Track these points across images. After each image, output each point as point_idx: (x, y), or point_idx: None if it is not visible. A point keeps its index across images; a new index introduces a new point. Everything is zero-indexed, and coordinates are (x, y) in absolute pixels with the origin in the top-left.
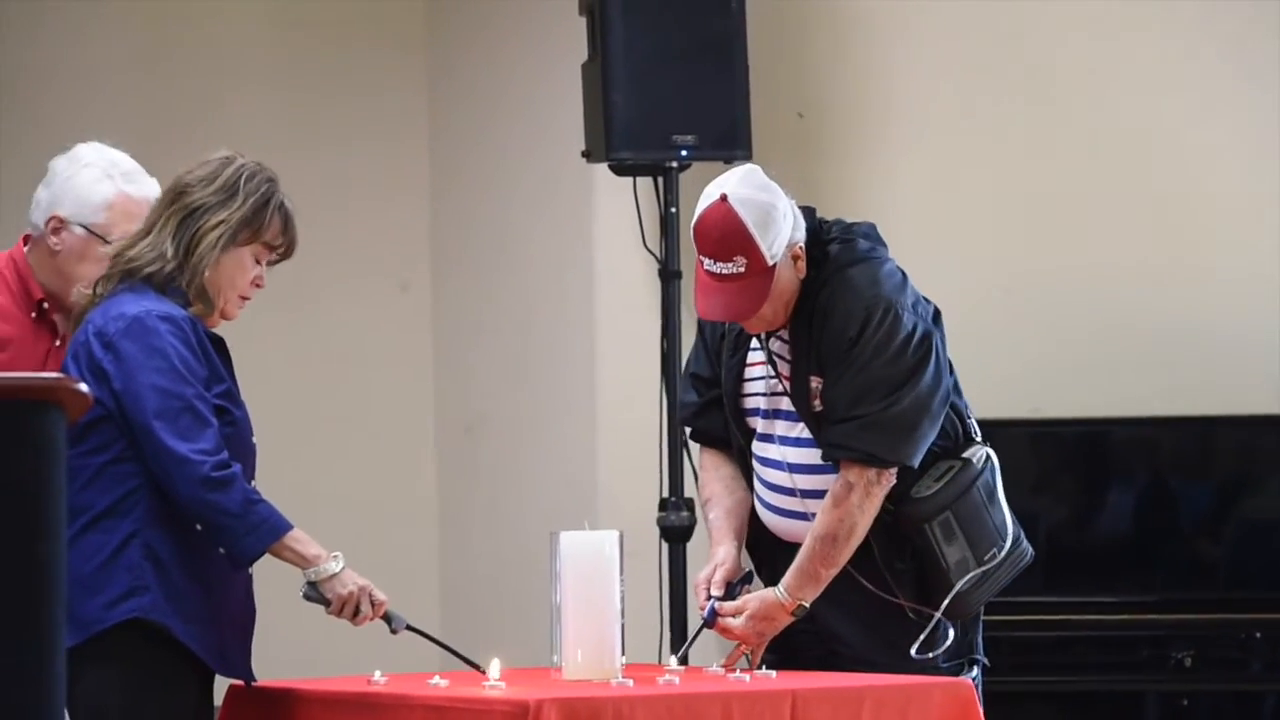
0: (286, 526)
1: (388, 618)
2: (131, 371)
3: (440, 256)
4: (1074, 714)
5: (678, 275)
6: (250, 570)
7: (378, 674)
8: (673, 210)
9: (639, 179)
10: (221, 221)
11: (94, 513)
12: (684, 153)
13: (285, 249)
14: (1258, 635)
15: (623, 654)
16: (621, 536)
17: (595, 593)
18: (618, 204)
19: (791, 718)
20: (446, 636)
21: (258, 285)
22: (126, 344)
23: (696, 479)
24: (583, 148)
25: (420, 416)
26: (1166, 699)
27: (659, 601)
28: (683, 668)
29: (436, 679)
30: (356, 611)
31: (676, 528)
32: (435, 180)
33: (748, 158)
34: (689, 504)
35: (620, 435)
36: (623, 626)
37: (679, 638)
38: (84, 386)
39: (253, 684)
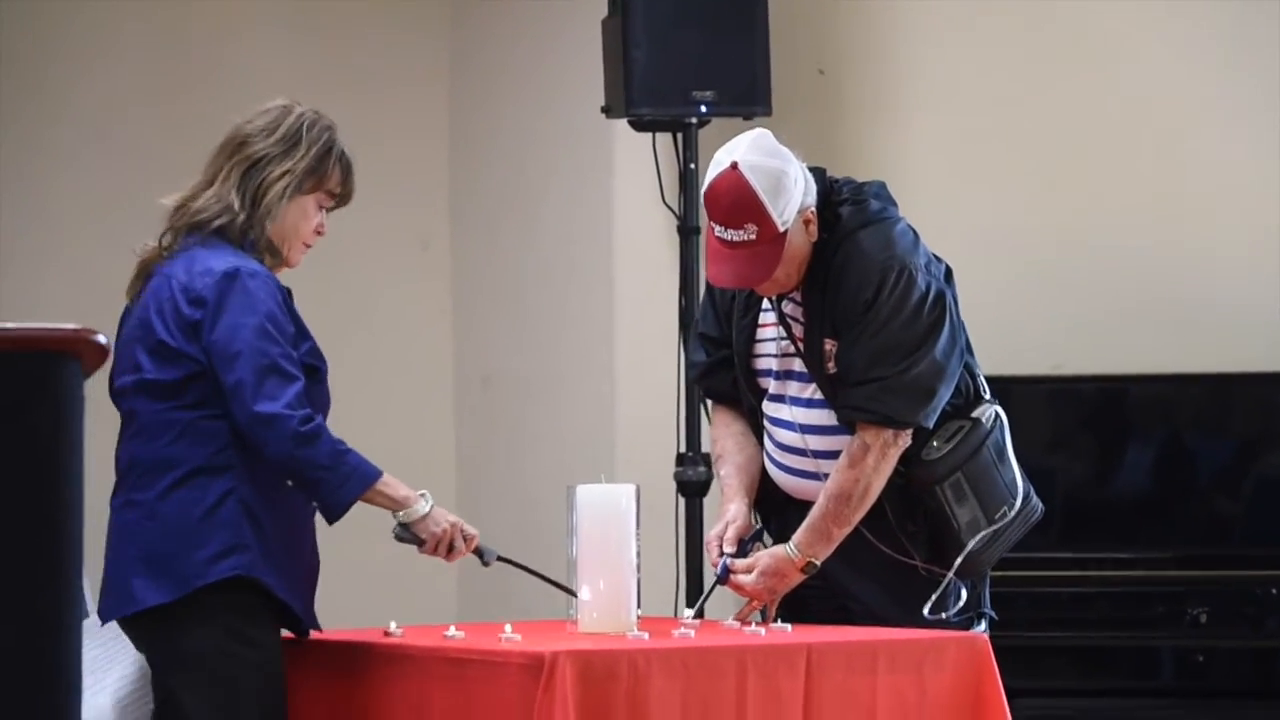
0: (376, 473)
1: (479, 552)
2: (222, 328)
3: (460, 214)
4: (1089, 669)
5: (696, 231)
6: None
7: (393, 625)
8: (692, 166)
9: (658, 135)
10: (287, 171)
11: (187, 467)
12: (703, 109)
13: (346, 196)
14: (1274, 591)
15: (638, 607)
16: (638, 490)
17: (611, 546)
18: (637, 160)
19: (806, 671)
20: (463, 588)
21: (319, 233)
22: (217, 300)
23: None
24: (602, 103)
25: (439, 371)
26: (1181, 654)
27: (675, 556)
28: (698, 621)
29: (452, 630)
30: (450, 549)
31: (693, 482)
32: (455, 138)
33: (768, 114)
34: (706, 459)
35: (638, 390)
36: (639, 580)
37: (695, 592)
38: (102, 338)
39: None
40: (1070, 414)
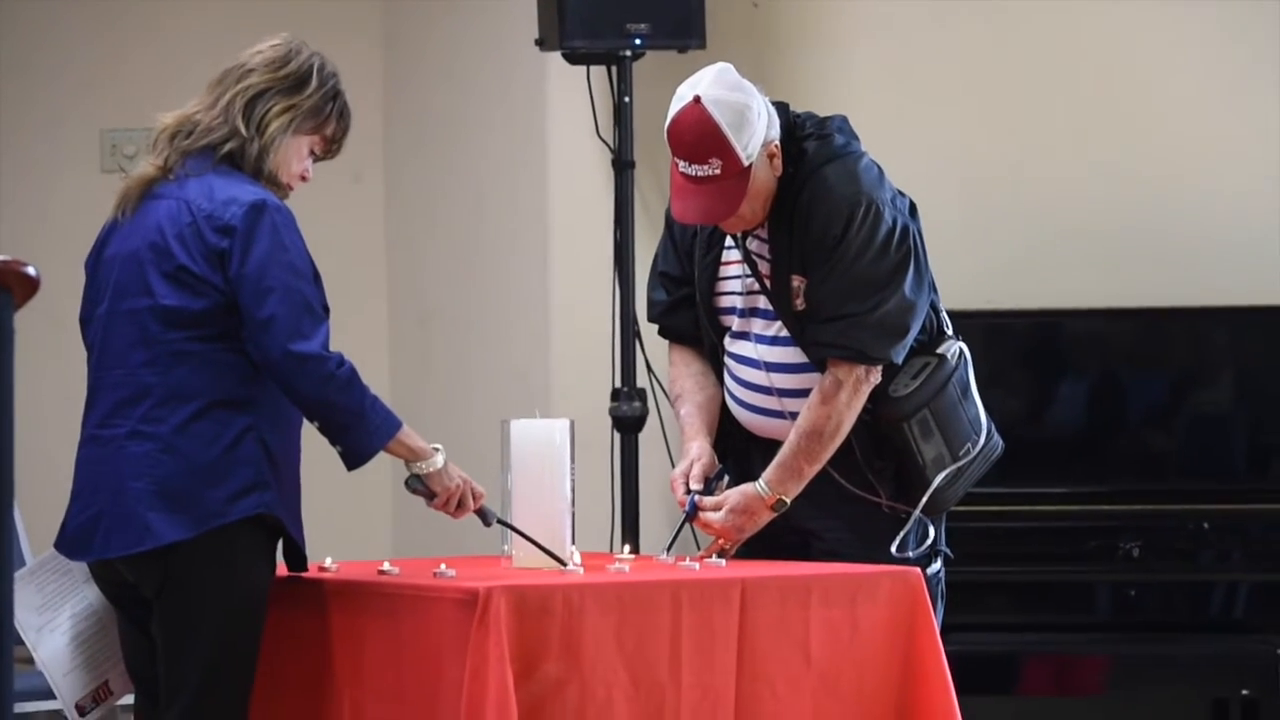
0: (398, 423)
1: (482, 512)
2: (254, 261)
3: (392, 147)
4: (1023, 604)
5: (631, 165)
6: None
7: (329, 560)
8: (626, 99)
9: (592, 68)
10: (291, 106)
11: (205, 400)
12: (638, 41)
13: (335, 147)
14: (1205, 526)
15: (574, 543)
16: (573, 425)
17: (546, 481)
18: (571, 93)
19: (741, 605)
20: (399, 524)
21: (304, 178)
22: (247, 231)
23: (650, 370)
24: (536, 36)
25: (374, 308)
26: (1115, 589)
27: (610, 491)
28: (632, 556)
29: (387, 565)
30: (459, 504)
31: (629, 418)
32: (388, 69)
33: (701, 47)
34: (641, 394)
35: (573, 325)
36: (574, 515)
37: (630, 528)
38: (32, 270)
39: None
40: (1003, 349)
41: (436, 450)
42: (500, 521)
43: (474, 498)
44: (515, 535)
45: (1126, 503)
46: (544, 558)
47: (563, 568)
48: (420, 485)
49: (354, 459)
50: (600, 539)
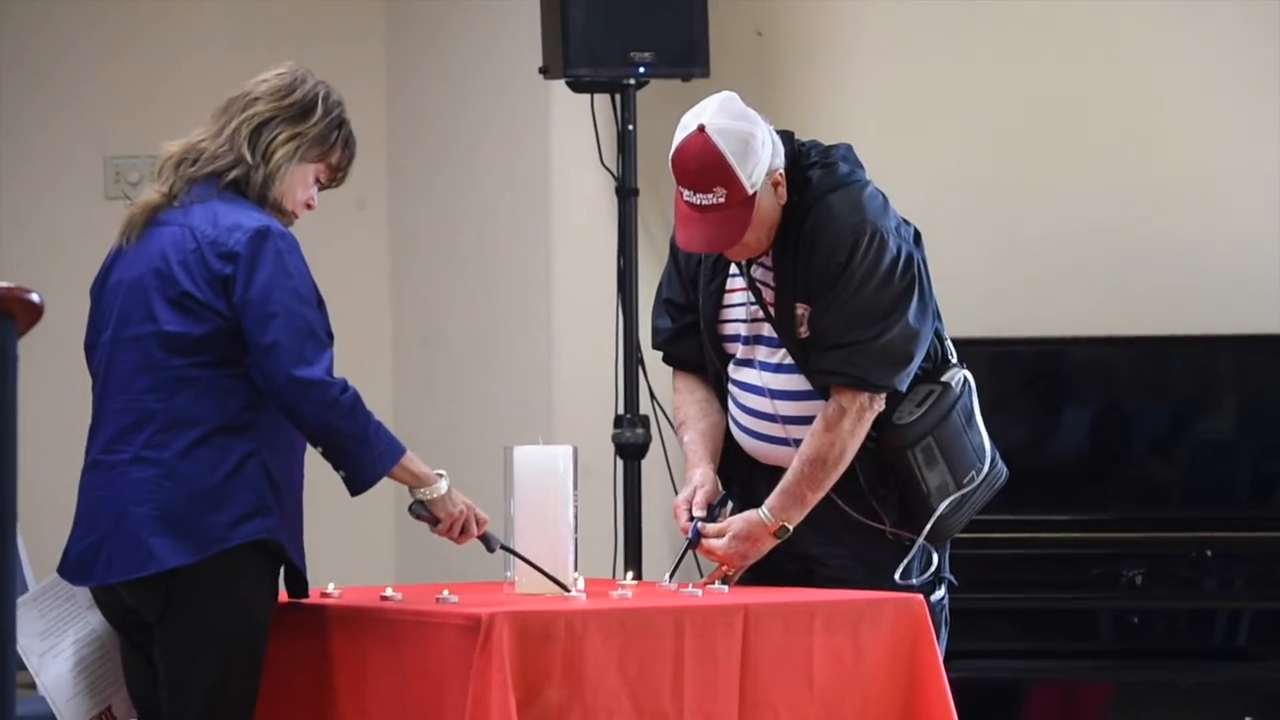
0: (402, 448)
1: (486, 538)
2: (258, 287)
3: (397, 173)
4: (1027, 631)
5: (634, 193)
6: None
7: (331, 586)
8: (630, 128)
9: (596, 96)
10: (297, 134)
11: (208, 426)
12: (642, 70)
13: (341, 176)
14: (1208, 553)
15: (576, 569)
16: (576, 452)
17: (549, 507)
18: (575, 121)
19: (744, 632)
20: (401, 549)
21: (309, 207)
22: (250, 258)
23: (653, 397)
24: (540, 64)
25: (377, 332)
26: (1118, 616)
27: (613, 518)
28: (635, 583)
29: (390, 591)
30: (463, 530)
31: (631, 444)
32: (392, 97)
33: (705, 75)
34: (644, 421)
35: (576, 352)
36: (576, 542)
37: (633, 554)
38: (36, 296)
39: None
40: (1007, 377)
41: (440, 476)
42: (504, 548)
43: (477, 524)
44: (518, 562)
45: (1130, 530)
46: (547, 584)
47: (566, 593)
48: (424, 511)
49: (357, 485)
50: (603, 565)
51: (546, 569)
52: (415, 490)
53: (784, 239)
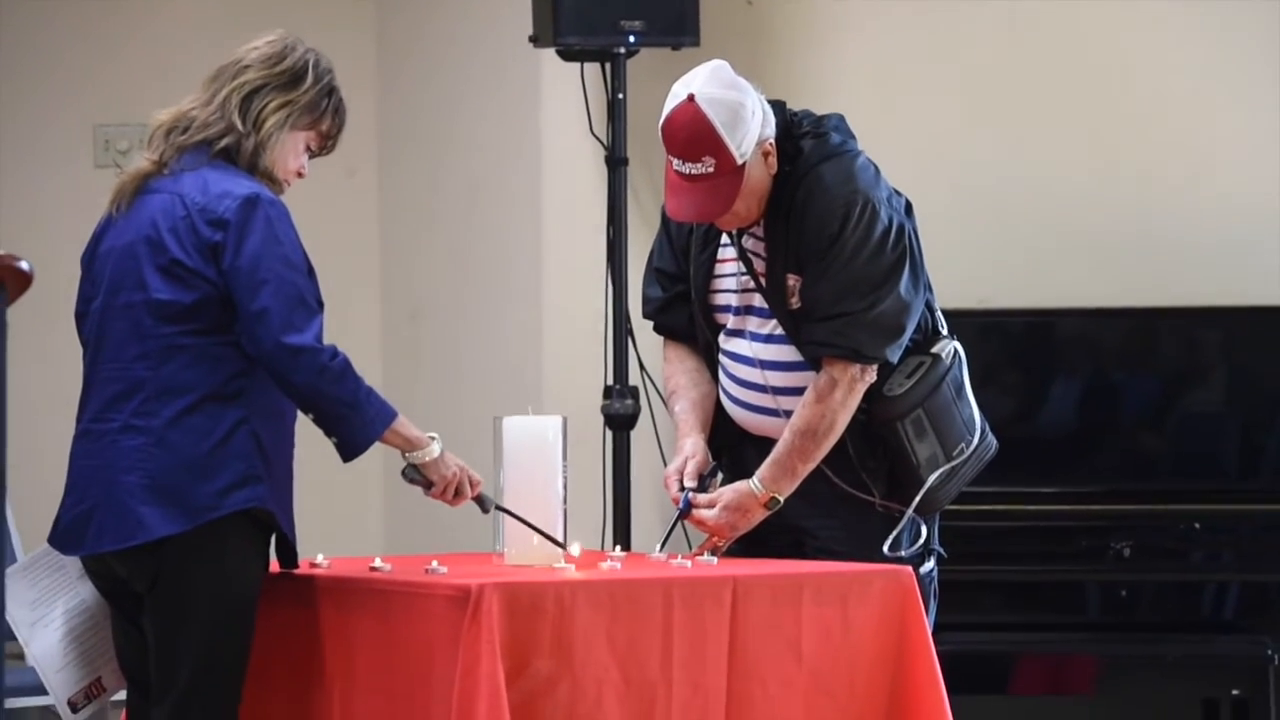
0: (394, 412)
1: (480, 499)
2: (247, 254)
3: (386, 142)
4: (1015, 603)
5: (624, 162)
6: None
7: (320, 557)
8: (620, 97)
9: (586, 65)
10: (288, 102)
11: (198, 394)
12: (632, 39)
13: (331, 144)
14: (1196, 526)
15: (566, 539)
16: (565, 422)
17: (538, 478)
18: (565, 90)
19: (733, 604)
20: (391, 521)
21: (300, 175)
22: (240, 225)
23: (642, 368)
24: (530, 32)
25: (366, 303)
26: (1106, 588)
27: (602, 489)
28: (624, 554)
29: (379, 561)
30: (457, 493)
31: (621, 415)
32: (381, 65)
33: (696, 44)
34: (633, 392)
35: (565, 322)
36: (566, 512)
37: (622, 525)
38: (26, 265)
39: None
40: (995, 348)
41: (432, 439)
42: (499, 508)
43: (471, 485)
44: (507, 533)
45: (1118, 503)
46: (537, 555)
47: (562, 549)
48: (417, 475)
49: (350, 450)
50: (592, 536)
51: (537, 542)
52: (408, 454)
53: (775, 209)
